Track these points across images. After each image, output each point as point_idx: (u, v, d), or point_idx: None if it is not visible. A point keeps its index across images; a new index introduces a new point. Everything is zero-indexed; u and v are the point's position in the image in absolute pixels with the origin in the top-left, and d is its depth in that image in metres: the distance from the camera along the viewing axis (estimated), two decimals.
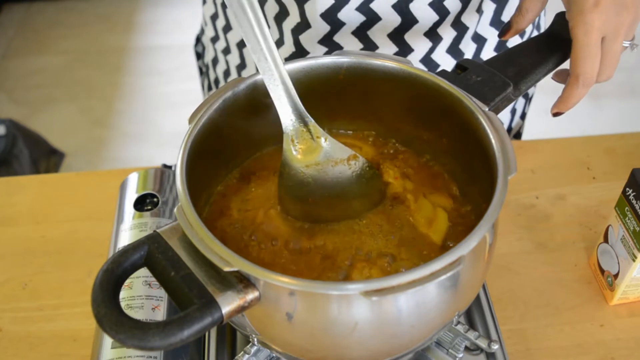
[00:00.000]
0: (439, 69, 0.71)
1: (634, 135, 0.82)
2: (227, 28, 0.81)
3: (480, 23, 0.75)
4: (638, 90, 2.25)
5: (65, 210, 0.76)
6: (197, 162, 0.49)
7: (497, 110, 0.52)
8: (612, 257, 0.63)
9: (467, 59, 0.56)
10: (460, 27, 0.73)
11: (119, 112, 2.26)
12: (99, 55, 2.51)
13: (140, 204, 0.66)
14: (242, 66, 0.82)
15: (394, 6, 0.68)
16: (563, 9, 0.58)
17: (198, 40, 0.96)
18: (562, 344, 0.61)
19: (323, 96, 0.58)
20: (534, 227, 0.72)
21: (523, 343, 0.61)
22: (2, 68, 2.47)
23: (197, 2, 2.13)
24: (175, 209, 0.44)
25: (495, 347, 0.56)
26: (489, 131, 0.48)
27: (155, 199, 0.66)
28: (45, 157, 1.93)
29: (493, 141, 0.48)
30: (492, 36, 0.76)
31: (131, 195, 0.66)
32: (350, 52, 0.56)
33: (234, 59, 0.82)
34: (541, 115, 2.17)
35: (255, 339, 0.48)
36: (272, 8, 0.72)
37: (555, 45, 0.57)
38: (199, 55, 0.96)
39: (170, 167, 0.73)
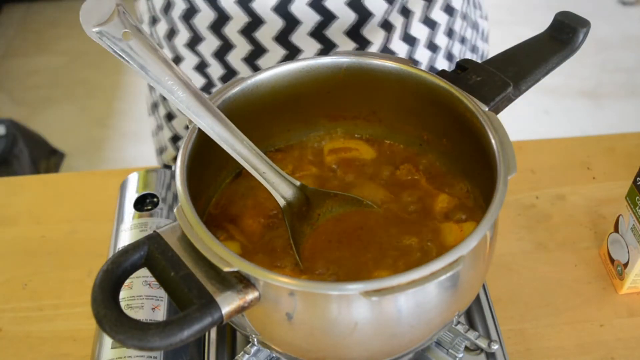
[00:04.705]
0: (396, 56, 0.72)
1: (634, 135, 0.82)
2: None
3: (430, 7, 0.75)
4: (638, 90, 2.25)
5: (65, 210, 0.76)
6: (197, 162, 0.49)
7: (497, 110, 0.52)
8: (622, 247, 0.64)
9: (467, 59, 0.56)
10: (407, 13, 0.74)
11: (119, 112, 2.26)
12: (98, 55, 2.50)
13: (140, 204, 0.66)
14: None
15: (349, 4, 0.69)
16: (563, 9, 0.58)
17: None
18: (562, 344, 0.61)
19: (323, 96, 0.58)
20: (534, 227, 0.72)
21: (523, 343, 0.61)
22: (2, 68, 2.46)
23: None
24: (175, 209, 0.44)
25: (495, 347, 0.56)
26: (489, 131, 0.48)
27: (155, 199, 0.66)
28: (45, 157, 1.93)
29: (493, 141, 0.48)
30: (442, 19, 0.77)
31: (131, 195, 0.66)
32: (350, 52, 0.56)
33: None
34: (541, 115, 2.17)
35: (255, 339, 0.48)
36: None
37: (555, 45, 0.57)
38: None
39: (170, 167, 0.73)
